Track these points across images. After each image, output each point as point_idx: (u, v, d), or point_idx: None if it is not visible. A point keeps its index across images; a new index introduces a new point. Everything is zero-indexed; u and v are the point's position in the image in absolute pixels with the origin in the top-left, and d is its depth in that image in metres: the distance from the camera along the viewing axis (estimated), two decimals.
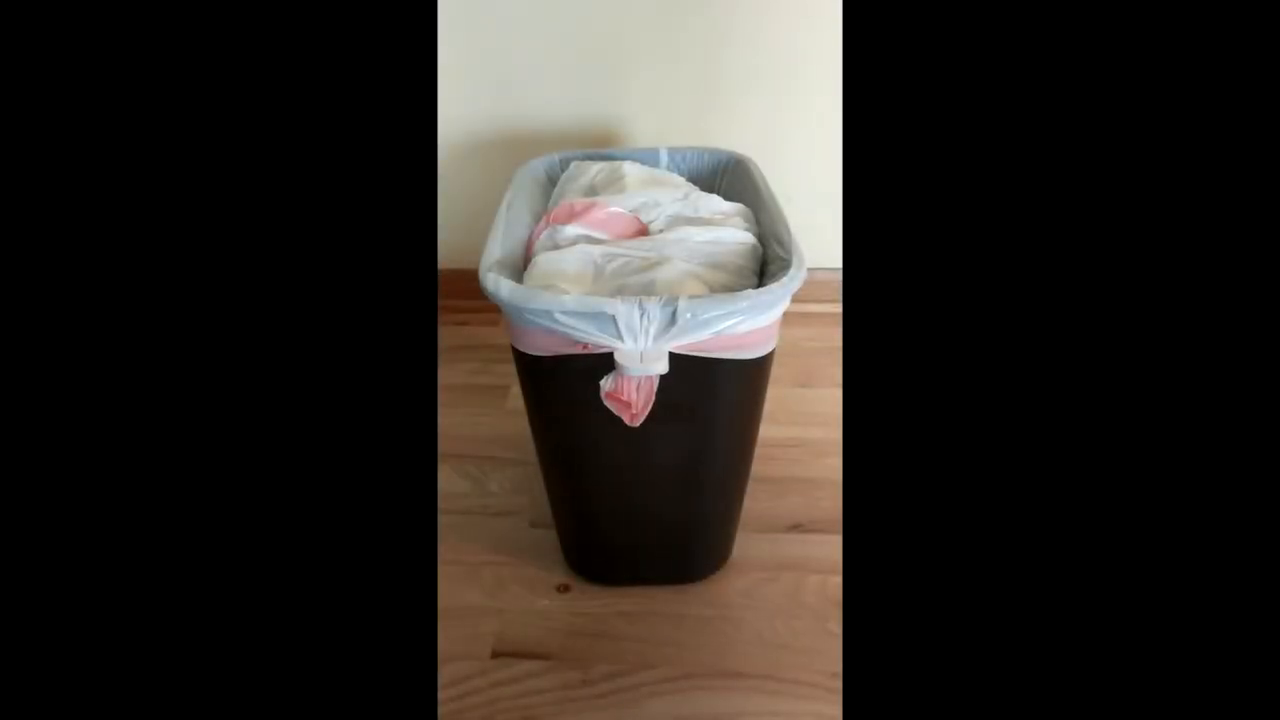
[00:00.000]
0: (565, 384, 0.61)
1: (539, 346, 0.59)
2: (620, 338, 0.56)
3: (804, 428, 1.01)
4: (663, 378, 0.58)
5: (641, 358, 0.56)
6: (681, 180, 0.83)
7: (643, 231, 0.71)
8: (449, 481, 0.95)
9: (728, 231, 0.68)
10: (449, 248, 1.18)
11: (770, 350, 0.63)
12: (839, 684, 0.70)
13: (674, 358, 0.57)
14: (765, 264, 0.67)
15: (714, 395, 0.64)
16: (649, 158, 0.87)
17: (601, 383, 0.58)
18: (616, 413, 0.59)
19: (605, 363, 0.57)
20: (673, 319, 0.55)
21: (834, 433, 1.01)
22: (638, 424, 0.59)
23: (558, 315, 0.55)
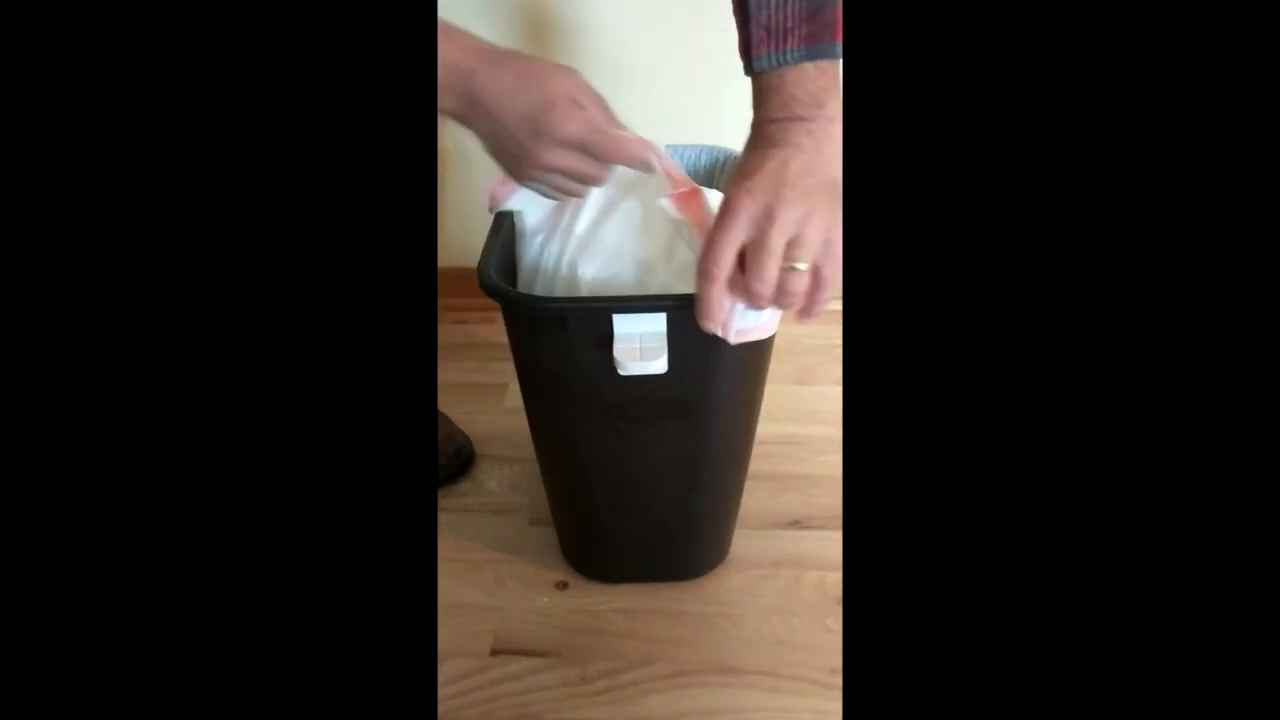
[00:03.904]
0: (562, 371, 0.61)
1: None
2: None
3: (802, 425, 1.02)
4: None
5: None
6: None
7: None
8: None
9: None
10: (448, 246, 1.18)
11: (770, 334, 0.63)
12: (837, 680, 0.70)
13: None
14: None
15: (714, 376, 0.64)
16: None
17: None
18: None
19: (602, 342, 0.58)
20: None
21: (832, 430, 1.01)
22: None
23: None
